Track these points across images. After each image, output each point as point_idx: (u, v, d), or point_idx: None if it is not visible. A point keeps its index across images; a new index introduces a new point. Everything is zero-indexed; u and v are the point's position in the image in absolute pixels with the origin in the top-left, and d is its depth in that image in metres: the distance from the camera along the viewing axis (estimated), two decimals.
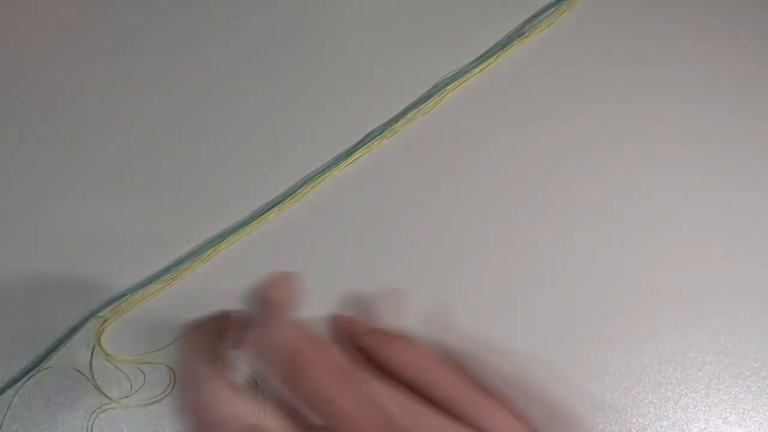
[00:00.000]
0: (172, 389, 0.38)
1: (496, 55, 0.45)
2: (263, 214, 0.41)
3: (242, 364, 0.28)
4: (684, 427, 0.38)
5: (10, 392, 0.36)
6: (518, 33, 0.46)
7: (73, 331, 0.38)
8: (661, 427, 0.38)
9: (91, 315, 0.38)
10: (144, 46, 0.45)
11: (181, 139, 0.42)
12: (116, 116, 0.43)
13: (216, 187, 0.41)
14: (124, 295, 0.39)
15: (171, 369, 0.38)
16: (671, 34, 0.46)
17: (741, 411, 0.38)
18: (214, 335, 0.28)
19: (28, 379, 0.37)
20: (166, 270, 0.40)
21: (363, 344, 0.28)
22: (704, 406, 0.38)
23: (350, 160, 0.42)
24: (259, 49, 0.45)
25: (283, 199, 0.41)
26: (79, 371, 0.37)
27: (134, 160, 0.42)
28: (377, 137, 0.43)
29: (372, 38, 0.45)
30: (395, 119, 0.43)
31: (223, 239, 0.40)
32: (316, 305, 0.26)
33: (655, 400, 0.38)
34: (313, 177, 0.42)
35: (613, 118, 0.43)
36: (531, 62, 0.45)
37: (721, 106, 0.44)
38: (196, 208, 0.41)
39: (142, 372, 0.38)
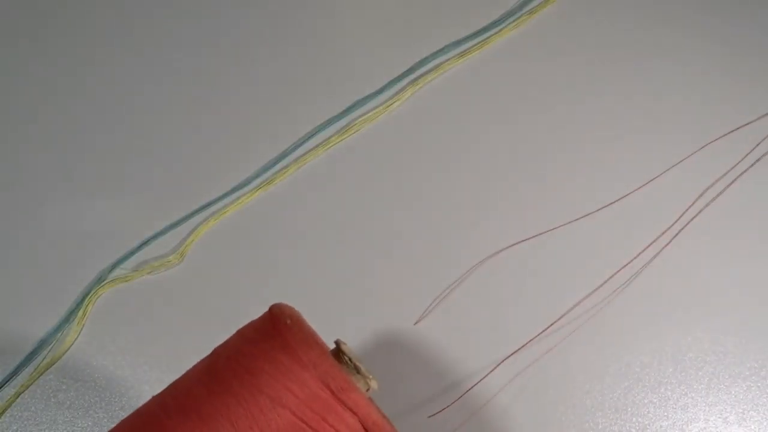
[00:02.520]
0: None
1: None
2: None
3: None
4: (684, 427, 0.38)
5: (8, 390, 0.37)
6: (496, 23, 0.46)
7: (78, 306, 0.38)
8: (661, 427, 0.38)
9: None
10: (141, 43, 0.45)
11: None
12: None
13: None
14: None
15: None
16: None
17: (741, 411, 0.38)
18: None
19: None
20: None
21: None
22: (704, 406, 0.38)
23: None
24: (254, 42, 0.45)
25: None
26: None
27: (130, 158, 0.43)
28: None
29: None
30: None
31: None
32: None
33: (655, 400, 0.38)
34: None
35: (607, 112, 0.44)
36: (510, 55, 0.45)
37: (722, 95, 0.44)
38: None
39: None
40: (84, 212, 0.41)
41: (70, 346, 0.38)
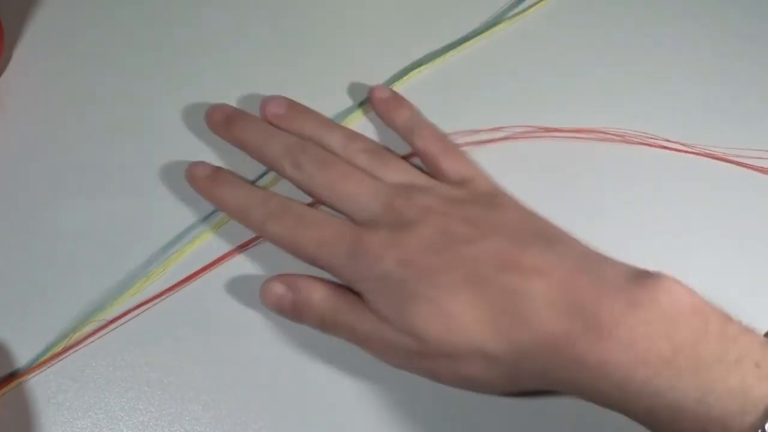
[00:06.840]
0: None
1: None
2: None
3: None
4: None
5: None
6: None
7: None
8: None
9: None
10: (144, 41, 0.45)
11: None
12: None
13: None
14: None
15: None
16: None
17: None
18: None
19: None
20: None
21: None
22: None
23: None
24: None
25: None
26: None
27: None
28: None
29: None
30: None
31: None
32: None
33: None
34: None
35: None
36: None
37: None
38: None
39: None
40: (84, 212, 0.41)
41: (71, 346, 0.38)
